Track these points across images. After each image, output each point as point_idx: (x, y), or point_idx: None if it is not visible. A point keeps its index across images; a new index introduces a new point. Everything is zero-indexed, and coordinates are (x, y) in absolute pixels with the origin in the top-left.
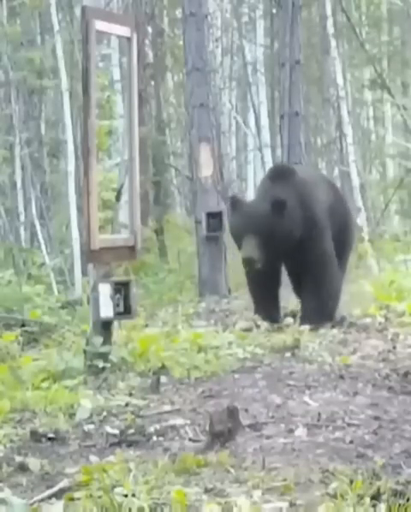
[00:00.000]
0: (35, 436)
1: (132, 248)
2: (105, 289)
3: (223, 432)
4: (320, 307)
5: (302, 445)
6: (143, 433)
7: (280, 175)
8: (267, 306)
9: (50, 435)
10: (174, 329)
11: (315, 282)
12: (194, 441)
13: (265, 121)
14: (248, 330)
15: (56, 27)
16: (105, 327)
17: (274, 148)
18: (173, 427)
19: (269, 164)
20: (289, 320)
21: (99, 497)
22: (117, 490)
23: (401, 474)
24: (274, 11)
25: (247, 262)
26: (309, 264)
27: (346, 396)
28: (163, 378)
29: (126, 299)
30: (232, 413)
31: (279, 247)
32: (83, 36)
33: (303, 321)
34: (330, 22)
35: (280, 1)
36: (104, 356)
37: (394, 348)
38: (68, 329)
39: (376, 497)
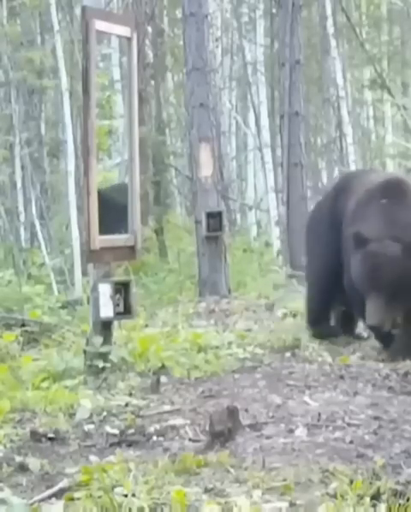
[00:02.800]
0: (35, 436)
1: (132, 248)
2: (105, 289)
3: (223, 432)
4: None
5: (302, 445)
6: (143, 433)
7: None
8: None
9: (50, 435)
10: (174, 329)
11: None
12: (194, 441)
13: (265, 121)
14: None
15: (56, 27)
16: (105, 327)
17: (274, 148)
18: (173, 427)
19: (269, 164)
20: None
21: (99, 497)
22: (117, 490)
23: (401, 474)
24: (274, 11)
25: (375, 329)
26: None
27: (346, 396)
28: (163, 378)
29: (126, 299)
30: (232, 413)
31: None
32: (83, 36)
33: (394, 354)
34: (330, 22)
35: (280, 1)
36: (104, 356)
37: None
38: (68, 329)
39: (376, 497)
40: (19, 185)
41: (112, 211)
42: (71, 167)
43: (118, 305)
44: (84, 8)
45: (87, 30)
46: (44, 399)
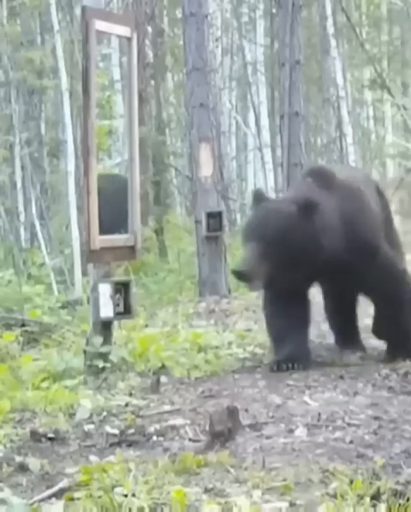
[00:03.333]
0: (35, 436)
1: (132, 248)
2: (105, 289)
3: (223, 432)
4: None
5: (302, 445)
6: (143, 433)
7: (320, 176)
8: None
9: (50, 435)
10: (174, 329)
11: (389, 312)
12: (194, 441)
13: (265, 121)
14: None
15: (56, 27)
16: (105, 327)
17: (274, 148)
18: (173, 427)
19: (269, 164)
20: None
21: (99, 497)
22: (117, 490)
23: (401, 474)
24: (274, 11)
25: (237, 276)
26: (372, 291)
27: (346, 396)
28: (163, 378)
29: (126, 299)
30: (232, 413)
31: (298, 267)
32: (83, 36)
33: (390, 357)
34: (330, 22)
35: (280, 1)
36: (104, 356)
37: None
38: (68, 329)
39: (376, 497)
40: (19, 185)
41: (108, 204)
42: (71, 167)
43: (118, 305)
44: (84, 8)
45: (87, 30)
46: (44, 399)
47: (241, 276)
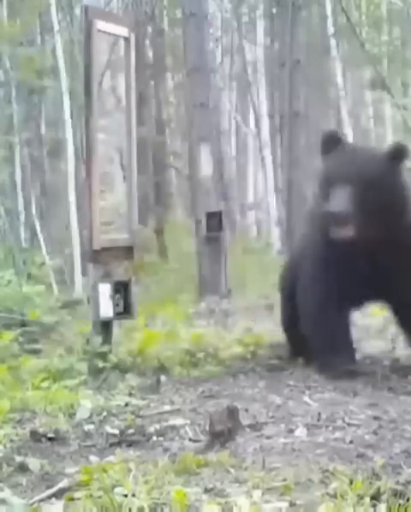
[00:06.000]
0: (35, 436)
1: (130, 248)
2: (105, 289)
3: (223, 432)
4: None
5: (302, 445)
6: (143, 433)
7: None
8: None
9: (50, 435)
10: (174, 329)
11: None
12: (194, 441)
13: (265, 121)
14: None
15: (56, 27)
16: (105, 327)
17: (274, 148)
18: (173, 427)
19: (269, 165)
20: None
21: (99, 497)
22: (117, 490)
23: (401, 474)
24: (274, 11)
25: (334, 219)
26: None
27: (346, 396)
28: (163, 378)
29: (126, 299)
30: (232, 413)
31: (388, 217)
32: (85, 36)
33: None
34: (330, 22)
35: (280, 1)
36: (103, 356)
37: (394, 348)
38: (68, 329)
39: (376, 497)
40: (19, 185)
41: None
42: (71, 167)
43: (118, 305)
44: (87, 8)
45: (89, 30)
46: (44, 399)
47: (336, 219)
